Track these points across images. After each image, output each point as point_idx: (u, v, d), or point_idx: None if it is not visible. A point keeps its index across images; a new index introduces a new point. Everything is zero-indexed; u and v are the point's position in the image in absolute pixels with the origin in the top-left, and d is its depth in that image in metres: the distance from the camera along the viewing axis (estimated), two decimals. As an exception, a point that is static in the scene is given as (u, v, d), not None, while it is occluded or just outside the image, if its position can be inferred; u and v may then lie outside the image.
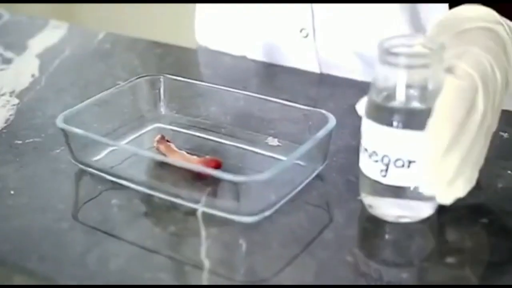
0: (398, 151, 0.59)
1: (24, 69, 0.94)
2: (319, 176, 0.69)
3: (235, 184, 0.62)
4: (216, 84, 0.78)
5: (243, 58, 0.99)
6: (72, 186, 0.70)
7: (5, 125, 0.79)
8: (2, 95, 0.86)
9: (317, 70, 0.94)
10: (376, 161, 0.60)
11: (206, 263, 0.58)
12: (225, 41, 1.01)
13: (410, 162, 0.59)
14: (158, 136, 0.73)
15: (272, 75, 0.94)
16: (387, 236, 0.62)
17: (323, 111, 0.70)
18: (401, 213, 0.62)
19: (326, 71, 0.93)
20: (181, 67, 0.98)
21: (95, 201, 0.67)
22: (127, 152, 0.72)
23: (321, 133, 0.66)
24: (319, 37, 0.92)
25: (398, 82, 0.59)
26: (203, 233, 0.62)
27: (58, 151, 0.73)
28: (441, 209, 0.60)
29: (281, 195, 0.64)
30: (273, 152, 0.72)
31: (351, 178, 0.68)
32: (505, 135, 0.74)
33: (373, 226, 0.63)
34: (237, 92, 0.76)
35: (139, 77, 0.78)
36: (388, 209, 0.62)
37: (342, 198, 0.66)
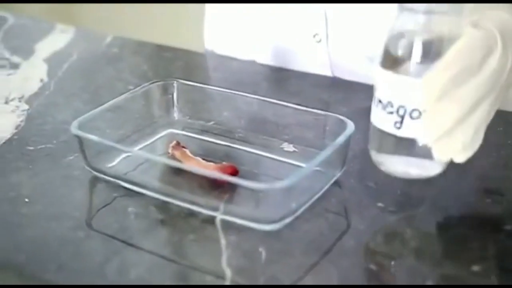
0: (415, 101, 0.58)
1: (32, 74, 0.93)
2: (337, 183, 0.68)
3: (254, 191, 0.61)
4: (229, 89, 0.77)
5: (252, 62, 0.98)
6: (86, 194, 0.69)
7: (16, 131, 0.78)
8: (11, 100, 0.85)
9: (329, 74, 0.93)
10: (391, 112, 0.59)
11: (228, 272, 0.57)
12: (235, 45, 1.00)
13: None
14: (174, 142, 0.72)
15: (283, 79, 0.93)
16: (409, 243, 0.61)
17: (341, 117, 0.69)
18: (411, 170, 0.62)
19: (338, 75, 0.93)
20: (190, 71, 0.97)
21: (111, 208, 0.66)
22: (141, 158, 0.71)
23: (341, 138, 0.65)
24: (332, 42, 0.91)
25: (417, 29, 0.58)
26: (222, 241, 0.61)
27: (71, 157, 0.72)
28: (464, 217, 0.59)
29: (300, 202, 0.63)
30: (290, 158, 0.71)
31: (370, 184, 0.67)
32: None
33: (394, 232, 0.62)
34: (251, 97, 0.75)
35: (152, 83, 0.77)
36: (398, 166, 0.62)
37: (362, 204, 0.66)
